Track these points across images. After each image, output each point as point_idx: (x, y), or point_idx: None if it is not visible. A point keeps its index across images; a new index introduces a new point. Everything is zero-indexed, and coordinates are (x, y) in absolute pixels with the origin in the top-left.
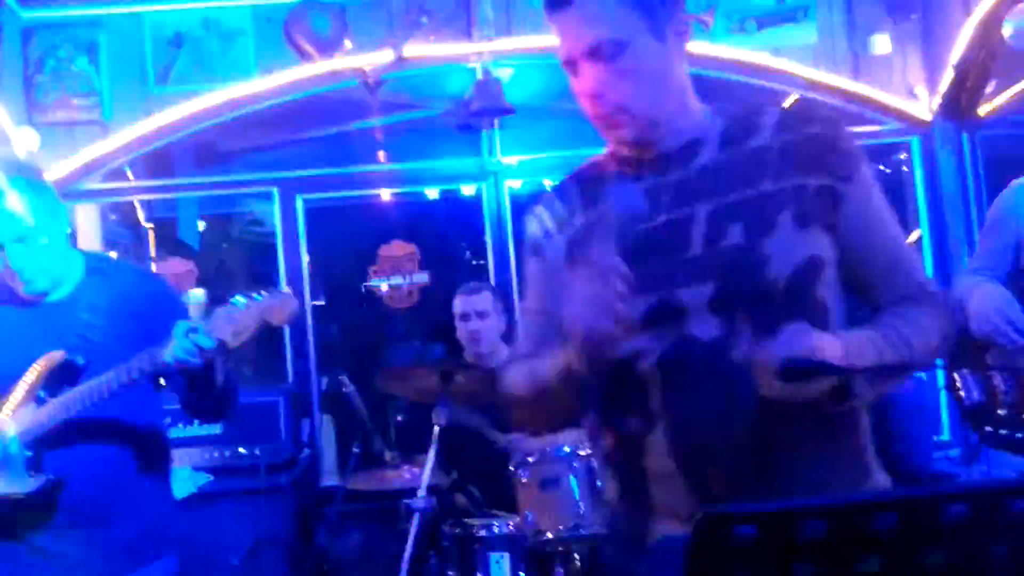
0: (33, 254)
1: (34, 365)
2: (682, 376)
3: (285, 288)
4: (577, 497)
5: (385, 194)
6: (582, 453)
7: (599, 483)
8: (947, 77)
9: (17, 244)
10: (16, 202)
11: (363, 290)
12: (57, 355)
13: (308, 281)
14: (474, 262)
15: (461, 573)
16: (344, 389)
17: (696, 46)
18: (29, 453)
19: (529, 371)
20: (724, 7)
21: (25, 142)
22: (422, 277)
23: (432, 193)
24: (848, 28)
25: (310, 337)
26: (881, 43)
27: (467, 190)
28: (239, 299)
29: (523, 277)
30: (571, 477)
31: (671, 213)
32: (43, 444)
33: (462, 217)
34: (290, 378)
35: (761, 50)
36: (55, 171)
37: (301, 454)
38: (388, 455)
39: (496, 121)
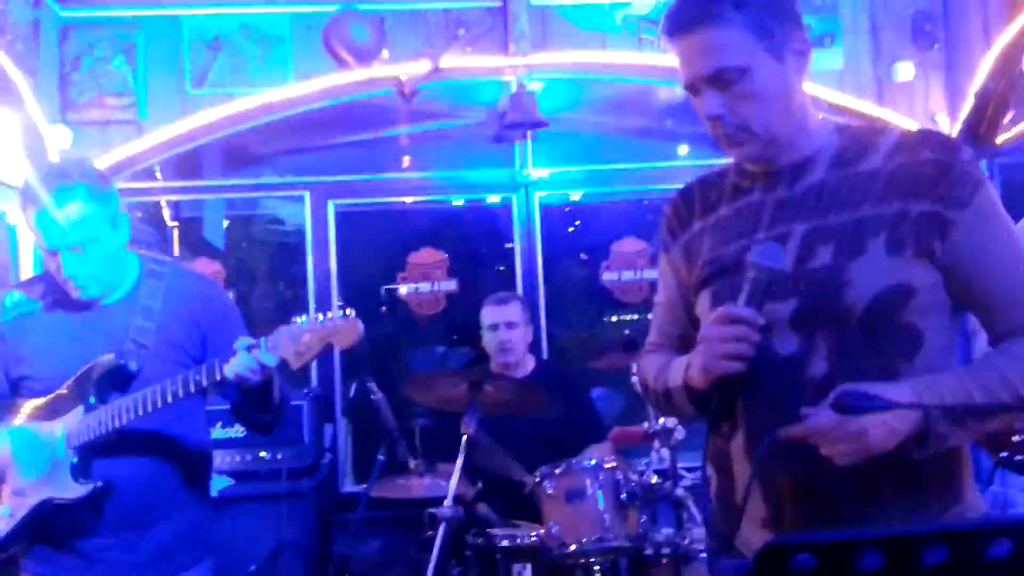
0: (87, 262)
1: (85, 369)
2: (759, 388)
3: (350, 311)
4: (602, 509)
5: (415, 202)
6: (607, 466)
7: (623, 496)
8: (967, 105)
9: (72, 252)
10: (76, 211)
11: (387, 295)
12: (108, 359)
13: (336, 286)
14: (501, 270)
15: None
16: (372, 396)
17: None
18: (76, 459)
19: (658, 363)
20: None
21: (58, 140)
22: (450, 284)
23: (460, 202)
24: (873, 55)
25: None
26: (905, 70)
27: (495, 200)
28: (303, 319)
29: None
30: (597, 490)
31: (770, 230)
32: (91, 450)
33: (491, 226)
34: (314, 382)
35: None
36: None
37: (323, 459)
38: (412, 463)
39: (528, 133)
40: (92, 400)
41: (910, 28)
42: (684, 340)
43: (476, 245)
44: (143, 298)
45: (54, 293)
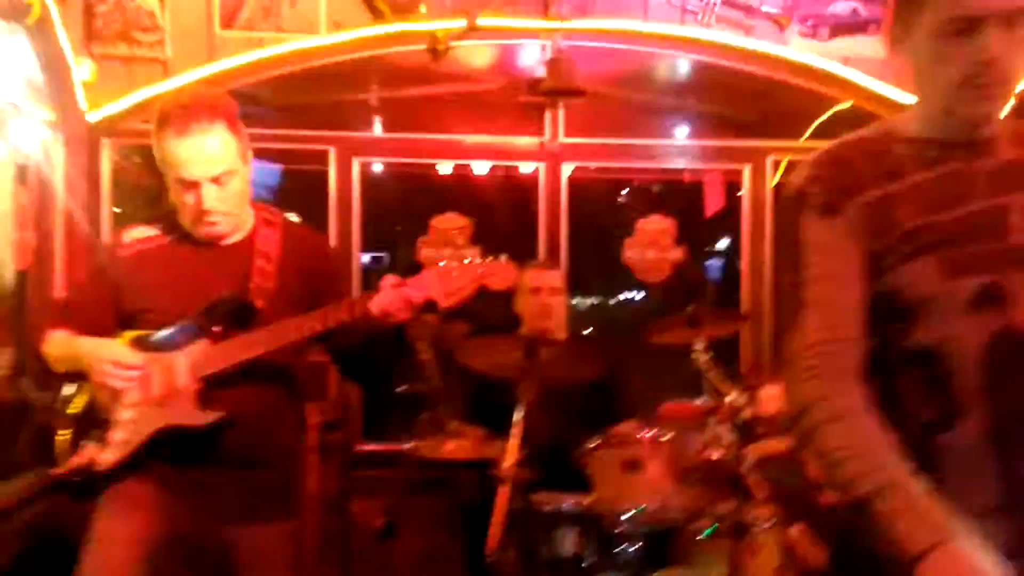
0: (225, 196)
1: (210, 303)
2: (1007, 363)
3: (503, 256)
4: (658, 480)
5: (442, 165)
6: (665, 438)
7: (681, 468)
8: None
9: (213, 184)
10: (217, 144)
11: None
12: (234, 295)
13: (358, 244)
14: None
15: (525, 547)
16: (421, 356)
17: (768, 46)
18: (201, 389)
19: (871, 443)
20: (801, 11)
21: (81, 72)
22: (471, 252)
23: (487, 168)
24: None
25: None
26: None
27: (524, 168)
28: (454, 262)
29: (810, 245)
30: (654, 460)
31: (986, 200)
32: (216, 382)
33: (516, 195)
34: None
35: (830, 57)
36: (110, 106)
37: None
38: (451, 424)
39: (561, 102)
40: (217, 332)
41: None
42: (856, 343)
43: (502, 214)
44: (260, 243)
45: (176, 230)
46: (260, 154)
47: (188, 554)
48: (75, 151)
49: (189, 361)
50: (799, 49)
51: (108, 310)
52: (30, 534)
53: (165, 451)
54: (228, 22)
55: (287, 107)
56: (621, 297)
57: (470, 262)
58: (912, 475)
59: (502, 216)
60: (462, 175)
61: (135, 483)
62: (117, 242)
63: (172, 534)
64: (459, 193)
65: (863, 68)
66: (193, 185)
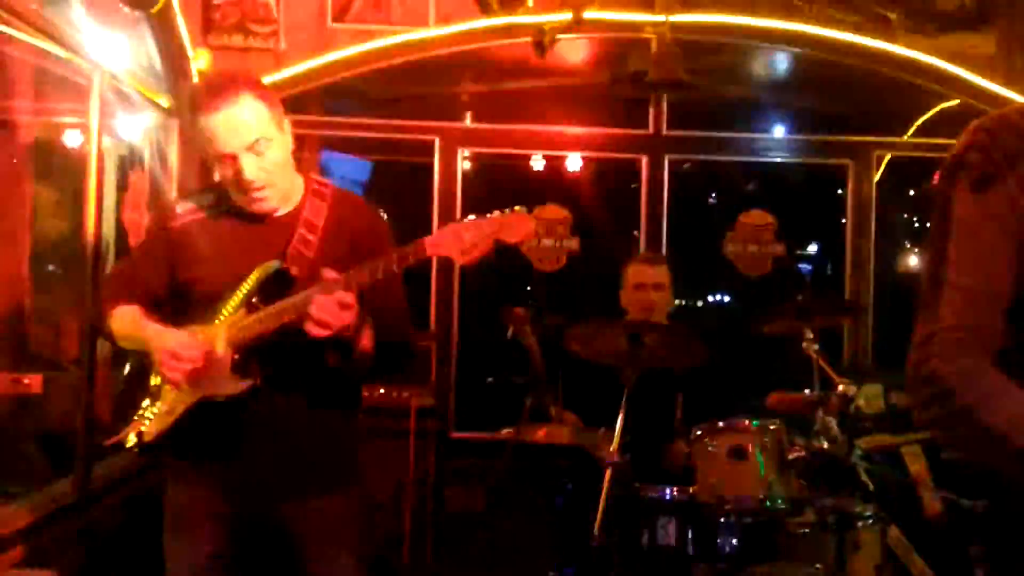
0: (264, 165)
1: (251, 274)
2: None
3: (519, 208)
4: (763, 470)
5: (536, 159)
6: (771, 427)
7: (788, 458)
8: None
9: (250, 154)
10: (247, 113)
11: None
12: (272, 264)
13: None
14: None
15: (626, 535)
16: (525, 341)
17: (874, 41)
18: (236, 356)
19: None
20: (909, 6)
21: (198, 62)
22: (572, 243)
23: (588, 159)
24: None
25: (455, 287)
26: None
27: (625, 160)
28: (468, 218)
29: (959, 222)
30: (759, 450)
31: None
32: (251, 350)
33: (616, 186)
34: (432, 326)
35: (938, 54)
36: None
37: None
38: (553, 410)
39: (665, 95)
40: (255, 301)
41: None
42: (995, 334)
43: (603, 206)
44: (307, 213)
45: (225, 203)
46: (364, 145)
47: (253, 539)
48: (189, 138)
49: (226, 331)
50: (906, 45)
51: (158, 281)
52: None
53: (205, 425)
54: (340, 15)
55: (393, 99)
56: (717, 296)
57: (484, 217)
58: None
59: (602, 206)
60: (563, 167)
61: (188, 497)
62: (170, 215)
63: (234, 533)
64: (560, 184)
65: (971, 64)
66: (231, 158)
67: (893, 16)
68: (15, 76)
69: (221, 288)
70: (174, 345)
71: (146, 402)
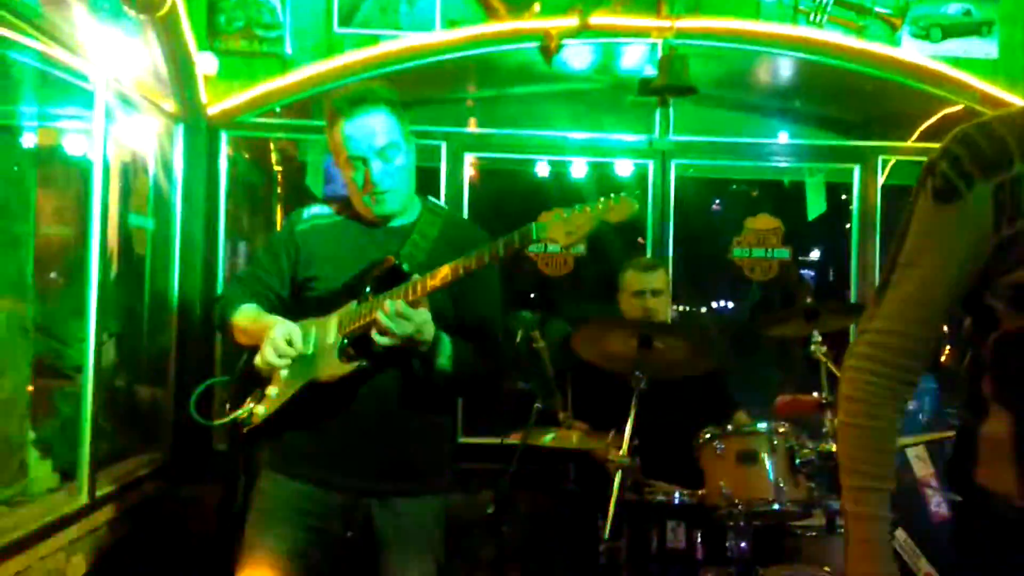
0: (391, 171)
1: (363, 269)
2: None
3: (624, 193)
4: (772, 474)
5: (540, 164)
6: (780, 431)
7: (797, 462)
8: None
9: (379, 158)
10: (380, 120)
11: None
12: (386, 260)
13: None
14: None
15: (635, 538)
16: (535, 345)
17: (879, 47)
18: (345, 342)
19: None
20: (914, 12)
21: (204, 67)
22: (579, 247)
23: (586, 166)
24: None
25: None
26: None
27: (624, 167)
28: (577, 206)
29: (915, 226)
30: (769, 453)
31: None
32: (361, 339)
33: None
34: None
35: (942, 58)
36: (230, 100)
37: None
38: (561, 415)
39: (671, 100)
40: (367, 291)
41: None
42: (926, 344)
43: None
44: (423, 226)
45: (348, 210)
46: None
47: (335, 541)
48: (194, 142)
49: (337, 320)
50: (911, 50)
51: (280, 280)
52: (136, 516)
53: (310, 408)
54: (347, 20)
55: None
56: (722, 302)
57: (590, 203)
58: (884, 513)
59: None
60: (565, 172)
61: (279, 491)
62: (296, 219)
63: (319, 534)
64: (563, 190)
65: (975, 70)
66: (360, 161)
67: (898, 21)
68: (19, 80)
69: (337, 287)
70: (289, 330)
71: (256, 391)
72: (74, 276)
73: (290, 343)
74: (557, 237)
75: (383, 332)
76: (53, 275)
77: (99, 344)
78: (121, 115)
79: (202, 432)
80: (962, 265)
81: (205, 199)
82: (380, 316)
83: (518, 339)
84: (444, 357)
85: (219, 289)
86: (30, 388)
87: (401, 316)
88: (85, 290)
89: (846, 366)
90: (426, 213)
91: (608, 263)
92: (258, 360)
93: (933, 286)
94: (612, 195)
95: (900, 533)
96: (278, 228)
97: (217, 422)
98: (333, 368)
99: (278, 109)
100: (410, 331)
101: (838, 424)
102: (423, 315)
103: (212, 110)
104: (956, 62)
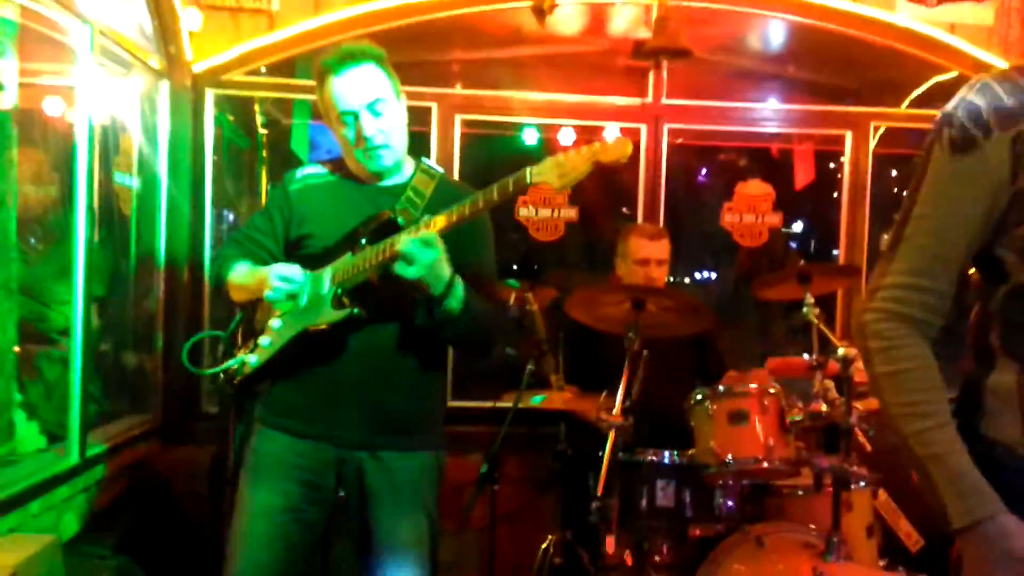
0: (382, 125)
1: (358, 224)
2: None
3: (619, 134)
4: (763, 433)
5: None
6: (771, 391)
7: (786, 421)
8: None
9: (371, 111)
10: (369, 75)
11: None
12: (383, 214)
13: None
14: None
15: (625, 497)
16: (528, 307)
17: (875, 11)
18: (338, 291)
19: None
20: None
21: (188, 23)
22: (570, 212)
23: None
24: None
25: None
26: None
27: (622, 130)
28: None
29: (930, 178)
30: (759, 413)
31: None
32: (354, 289)
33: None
34: None
35: (937, 24)
36: (216, 57)
37: None
38: (553, 378)
39: (664, 63)
40: (362, 242)
41: None
42: (942, 298)
43: (599, 176)
44: (416, 185)
45: (342, 170)
46: None
47: (328, 498)
48: (180, 100)
49: (331, 270)
50: (906, 14)
51: (274, 238)
52: (127, 476)
53: (302, 358)
54: None
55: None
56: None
57: (584, 147)
58: (959, 445)
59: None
60: (552, 136)
61: (273, 446)
62: (290, 178)
63: (312, 490)
64: (553, 153)
65: (969, 35)
66: (352, 116)
67: None
68: None
69: (331, 244)
70: (285, 269)
71: (250, 342)
72: (57, 238)
73: (291, 277)
74: (551, 181)
75: (410, 261)
76: (32, 240)
77: (87, 305)
78: (106, 72)
79: (192, 394)
80: (978, 217)
81: (191, 158)
82: (406, 242)
83: (510, 304)
84: (455, 299)
85: (206, 250)
86: (17, 349)
87: (428, 244)
88: (71, 251)
89: (864, 321)
90: (419, 173)
91: (597, 228)
92: (265, 292)
93: (949, 238)
94: (606, 137)
95: (881, 494)
96: (263, 193)
97: (209, 371)
98: (325, 316)
99: (264, 69)
100: (435, 259)
101: (877, 377)
102: (442, 250)
103: (197, 67)
104: (951, 28)
